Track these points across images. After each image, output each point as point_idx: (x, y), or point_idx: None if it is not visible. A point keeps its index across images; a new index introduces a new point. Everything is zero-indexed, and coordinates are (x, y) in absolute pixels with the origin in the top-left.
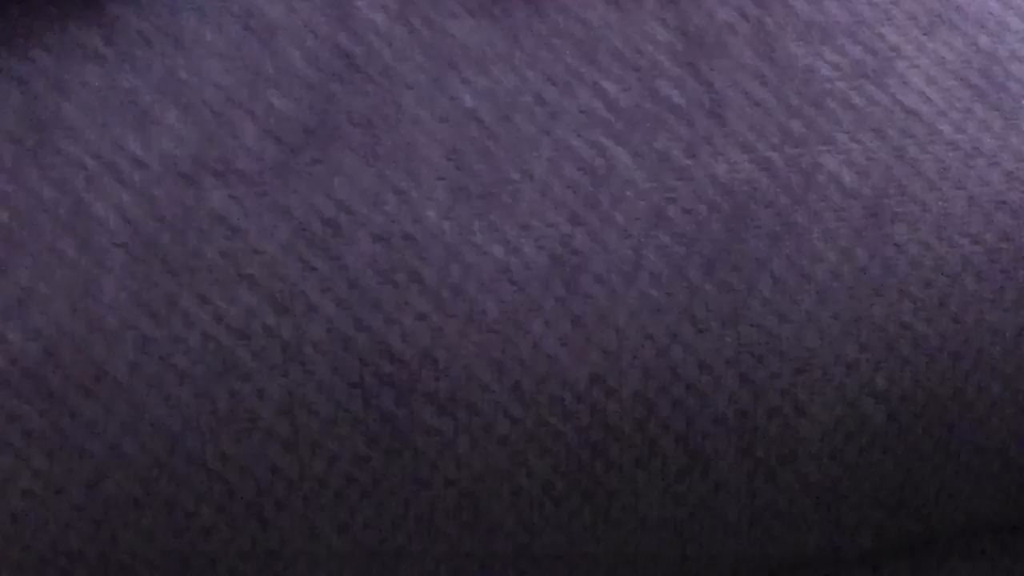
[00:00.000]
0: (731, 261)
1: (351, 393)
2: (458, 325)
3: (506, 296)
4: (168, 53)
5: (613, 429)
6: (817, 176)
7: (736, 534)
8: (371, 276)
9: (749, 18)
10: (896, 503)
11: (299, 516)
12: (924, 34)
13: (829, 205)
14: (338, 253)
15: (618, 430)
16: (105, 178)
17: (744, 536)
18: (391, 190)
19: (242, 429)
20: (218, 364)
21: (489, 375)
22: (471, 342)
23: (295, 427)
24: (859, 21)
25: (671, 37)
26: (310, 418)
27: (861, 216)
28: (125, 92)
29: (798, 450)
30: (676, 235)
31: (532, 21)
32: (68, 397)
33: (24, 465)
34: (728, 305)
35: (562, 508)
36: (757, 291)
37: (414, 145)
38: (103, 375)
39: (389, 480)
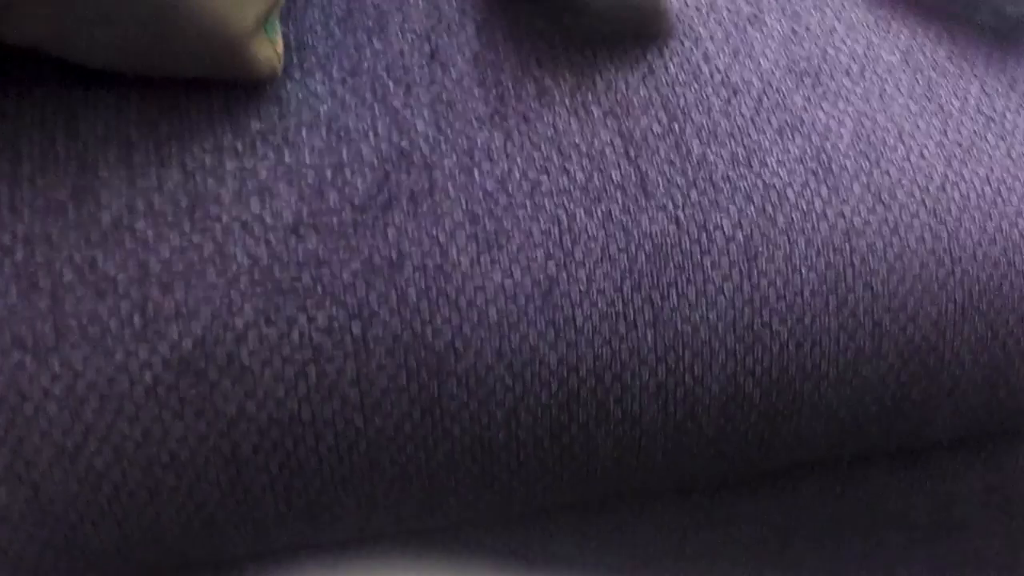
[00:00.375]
0: (653, 283)
1: (399, 371)
2: (472, 325)
3: (503, 305)
4: (277, 145)
5: (573, 394)
6: (709, 227)
7: (656, 465)
8: (412, 292)
9: (666, 123)
10: (763, 442)
11: (363, 455)
12: (778, 135)
13: (717, 247)
14: (391, 278)
15: (577, 395)
16: (236, 228)
17: (662, 466)
18: (426, 236)
19: (325, 395)
20: (310, 352)
21: (492, 358)
22: (480, 337)
23: (361, 393)
24: (738, 127)
25: (612, 136)
26: (371, 387)
27: (737, 253)
28: (249, 172)
29: (697, 408)
30: (616, 266)
31: (521, 124)
32: (209, 375)
33: (177, 422)
34: (651, 312)
35: (542, 448)
36: (670, 303)
37: (442, 207)
38: (233, 360)
39: (424, 429)
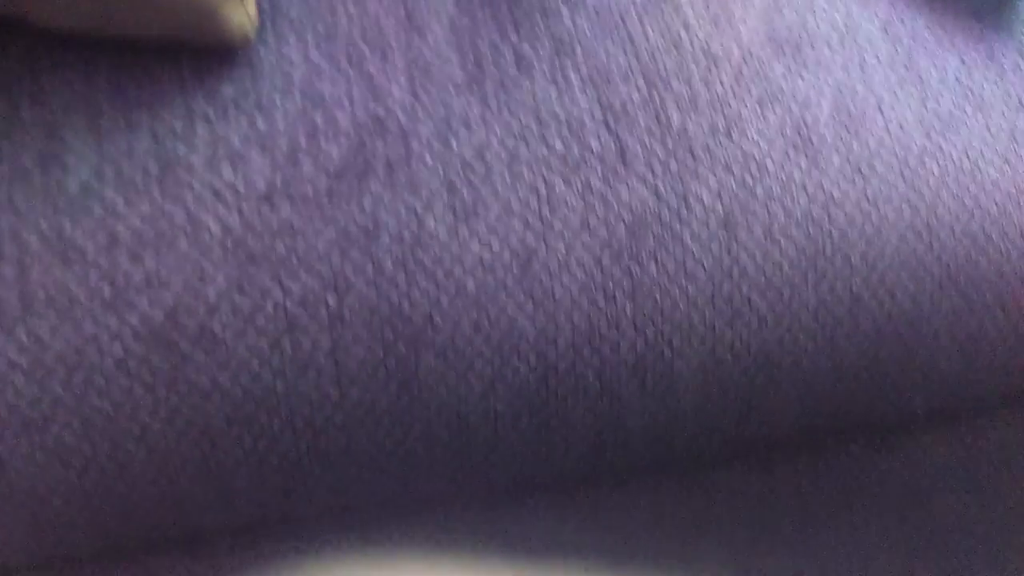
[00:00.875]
0: (632, 254)
1: (375, 343)
2: (449, 297)
3: (480, 276)
4: (249, 111)
5: (552, 367)
6: (688, 198)
7: (634, 438)
8: (388, 263)
9: (645, 92)
10: (740, 415)
11: (338, 429)
12: (758, 105)
13: (696, 218)
14: (366, 247)
15: (555, 368)
16: (208, 196)
17: (640, 440)
18: (402, 206)
19: (301, 366)
20: (284, 324)
21: (470, 330)
22: (457, 308)
23: (337, 366)
24: (718, 97)
25: (591, 104)
26: (347, 359)
27: (716, 224)
28: (221, 139)
29: (676, 381)
30: (595, 237)
31: (499, 92)
32: (180, 347)
33: (147, 395)
34: (629, 284)
35: (519, 422)
36: (649, 274)
37: (419, 176)
38: (205, 331)
39: (400, 403)
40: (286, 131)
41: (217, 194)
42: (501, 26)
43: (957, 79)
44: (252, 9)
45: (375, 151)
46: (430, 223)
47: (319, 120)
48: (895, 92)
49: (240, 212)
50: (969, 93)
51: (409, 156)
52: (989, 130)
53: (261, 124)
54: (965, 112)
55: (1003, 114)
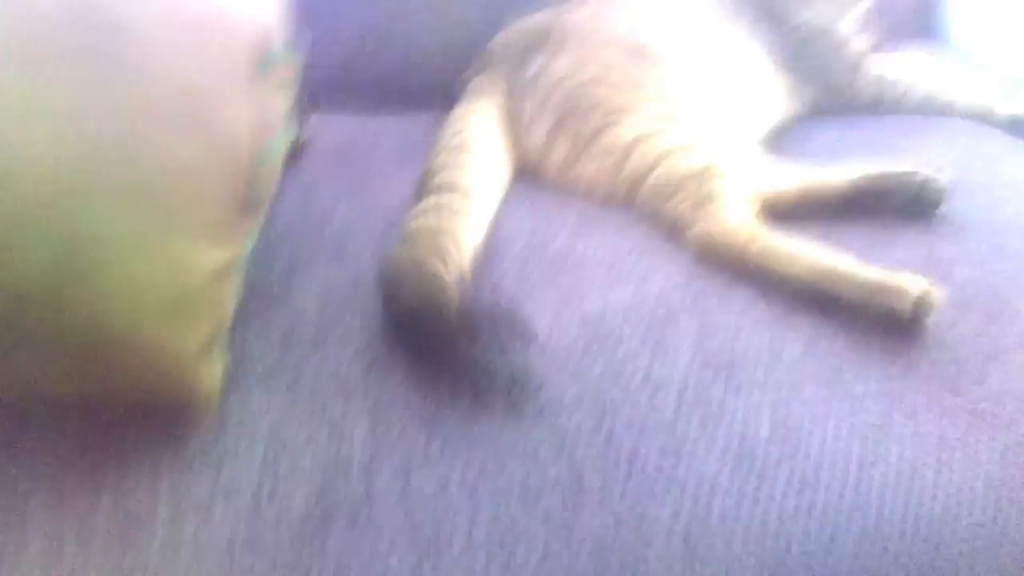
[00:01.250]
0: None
1: None
2: None
3: None
4: (215, 462)
5: None
6: (648, 521)
7: None
8: None
9: (596, 419)
10: None
11: None
12: (703, 426)
13: (657, 539)
14: None
15: None
16: (170, 552)
17: None
18: (366, 547)
19: None
20: None
21: None
22: None
23: None
24: (664, 421)
25: (546, 433)
26: None
27: (677, 544)
28: (185, 491)
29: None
30: (559, 566)
31: (457, 429)
32: None
33: None
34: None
35: None
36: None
37: (381, 515)
38: None
39: None
40: (250, 480)
41: (178, 549)
42: (456, 372)
43: (881, 390)
44: (218, 370)
45: (338, 494)
46: (393, 563)
47: (283, 467)
48: (826, 406)
49: (201, 567)
50: (895, 402)
51: (371, 496)
52: (918, 435)
53: (226, 474)
54: (893, 420)
55: (929, 420)
